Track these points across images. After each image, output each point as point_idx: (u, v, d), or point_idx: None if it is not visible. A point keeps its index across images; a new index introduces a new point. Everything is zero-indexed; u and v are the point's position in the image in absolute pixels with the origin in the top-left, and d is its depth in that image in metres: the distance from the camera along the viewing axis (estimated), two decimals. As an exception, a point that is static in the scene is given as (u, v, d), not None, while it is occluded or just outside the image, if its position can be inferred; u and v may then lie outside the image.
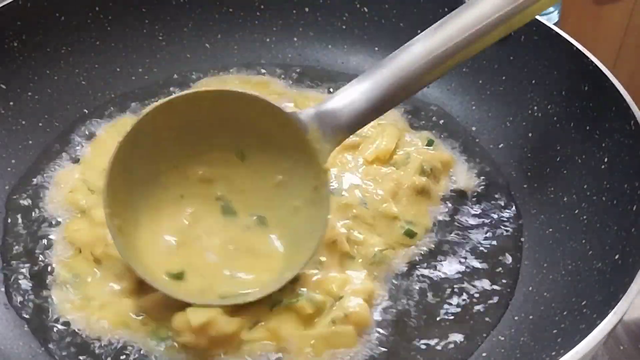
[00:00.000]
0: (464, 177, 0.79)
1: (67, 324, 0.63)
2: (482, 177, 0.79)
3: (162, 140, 0.64)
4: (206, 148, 0.66)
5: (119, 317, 0.63)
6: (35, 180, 0.75)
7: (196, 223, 0.66)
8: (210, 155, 0.66)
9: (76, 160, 0.78)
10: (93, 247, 0.67)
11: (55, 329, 0.63)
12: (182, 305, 0.61)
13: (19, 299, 0.65)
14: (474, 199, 0.77)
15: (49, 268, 0.67)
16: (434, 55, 0.63)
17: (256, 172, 0.66)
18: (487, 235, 0.73)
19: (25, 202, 0.73)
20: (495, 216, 0.75)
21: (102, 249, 0.67)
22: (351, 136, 0.77)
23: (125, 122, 0.83)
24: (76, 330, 0.63)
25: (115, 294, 0.65)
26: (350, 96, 0.63)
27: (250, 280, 0.64)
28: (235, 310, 0.62)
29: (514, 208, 0.75)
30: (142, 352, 0.61)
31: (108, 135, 0.81)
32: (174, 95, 0.62)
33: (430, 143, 0.82)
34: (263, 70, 0.92)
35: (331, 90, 0.89)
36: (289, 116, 0.62)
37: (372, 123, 0.79)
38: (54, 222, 0.71)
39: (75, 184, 0.75)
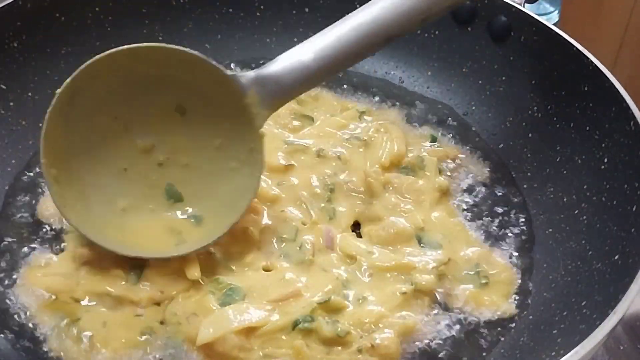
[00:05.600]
0: (474, 171, 0.79)
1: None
2: (490, 171, 0.80)
3: (102, 94, 0.64)
4: (146, 102, 0.66)
5: (126, 342, 0.61)
6: (34, 180, 0.75)
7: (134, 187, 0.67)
8: (151, 109, 0.66)
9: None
10: (69, 292, 0.63)
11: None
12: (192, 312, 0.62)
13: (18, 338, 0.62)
14: (482, 193, 0.77)
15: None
16: (371, 25, 0.64)
17: (195, 133, 0.67)
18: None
19: (24, 202, 0.73)
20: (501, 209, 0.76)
21: (79, 291, 0.63)
22: (356, 140, 0.79)
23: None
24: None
25: (115, 322, 0.62)
26: (290, 61, 0.63)
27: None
28: (251, 329, 0.60)
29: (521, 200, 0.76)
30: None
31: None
32: (113, 50, 0.62)
33: (434, 139, 0.82)
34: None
35: (330, 89, 0.89)
36: (228, 77, 0.62)
37: (373, 125, 0.80)
38: (53, 224, 0.71)
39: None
